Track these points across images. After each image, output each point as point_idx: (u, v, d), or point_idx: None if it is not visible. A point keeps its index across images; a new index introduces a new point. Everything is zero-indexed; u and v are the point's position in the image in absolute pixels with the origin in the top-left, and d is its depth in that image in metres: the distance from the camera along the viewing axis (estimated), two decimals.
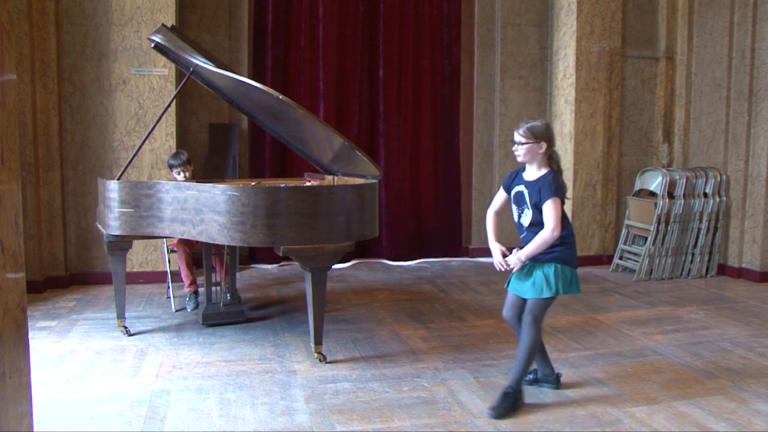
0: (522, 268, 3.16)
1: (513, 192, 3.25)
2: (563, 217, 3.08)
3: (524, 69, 7.00)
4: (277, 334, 4.24)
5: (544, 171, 3.13)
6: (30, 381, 1.97)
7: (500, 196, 3.33)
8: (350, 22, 6.60)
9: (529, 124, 3.12)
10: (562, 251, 3.12)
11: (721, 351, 3.99)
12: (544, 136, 3.10)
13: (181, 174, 4.71)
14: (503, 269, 3.15)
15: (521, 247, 3.13)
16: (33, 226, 5.23)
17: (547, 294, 3.09)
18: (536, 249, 3.05)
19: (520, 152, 3.13)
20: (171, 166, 4.80)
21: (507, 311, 3.29)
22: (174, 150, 5.51)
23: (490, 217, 3.34)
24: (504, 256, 3.17)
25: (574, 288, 3.16)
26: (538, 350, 3.26)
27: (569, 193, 6.58)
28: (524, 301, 3.20)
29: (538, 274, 3.12)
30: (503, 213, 3.35)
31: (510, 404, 3.07)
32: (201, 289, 4.98)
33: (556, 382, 3.36)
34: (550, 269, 3.10)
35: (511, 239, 3.44)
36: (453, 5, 6.89)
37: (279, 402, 3.16)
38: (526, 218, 3.17)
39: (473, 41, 6.97)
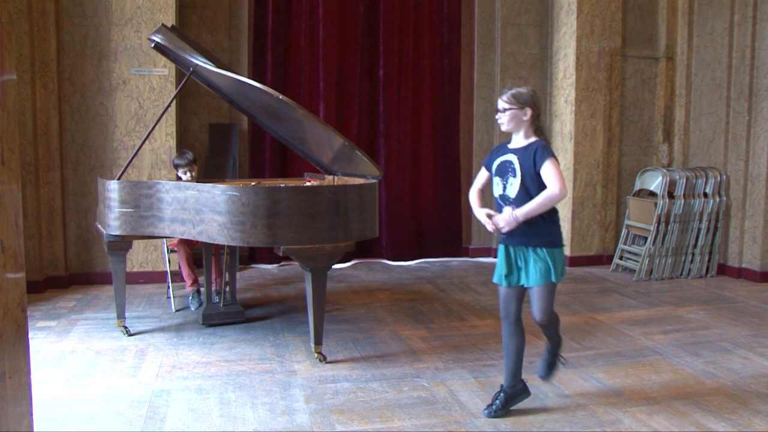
0: (515, 257, 2.98)
1: (496, 163, 3.03)
2: None
3: (524, 69, 6.99)
4: (277, 334, 4.24)
5: (533, 139, 2.97)
6: (30, 381, 1.97)
7: (482, 174, 3.15)
8: (350, 22, 6.60)
9: (513, 90, 2.96)
10: (553, 232, 2.96)
11: (721, 351, 3.98)
12: (529, 102, 2.94)
13: (187, 174, 4.72)
14: (493, 229, 2.94)
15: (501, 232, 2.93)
16: (33, 226, 5.23)
17: (554, 279, 2.93)
18: (537, 208, 2.84)
19: (503, 119, 2.97)
20: (176, 166, 4.80)
21: (505, 308, 3.05)
22: (174, 150, 5.51)
23: (473, 193, 3.16)
24: (491, 217, 2.95)
25: (565, 269, 3.04)
26: (517, 358, 3.07)
27: (569, 193, 6.59)
28: (522, 291, 3.01)
29: (539, 259, 2.92)
30: (486, 191, 3.17)
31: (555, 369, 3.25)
32: (203, 288, 4.99)
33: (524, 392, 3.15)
34: (548, 254, 2.92)
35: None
36: (453, 5, 6.89)
37: (279, 402, 3.16)
38: (513, 188, 2.94)
39: (473, 41, 6.97)
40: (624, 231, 6.49)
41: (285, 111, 3.90)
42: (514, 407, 3.08)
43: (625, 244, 6.45)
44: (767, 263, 5.88)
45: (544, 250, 2.94)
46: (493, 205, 3.11)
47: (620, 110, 6.75)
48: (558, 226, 3.02)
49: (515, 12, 6.91)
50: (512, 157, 2.98)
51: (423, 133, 6.90)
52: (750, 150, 5.94)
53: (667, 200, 6.04)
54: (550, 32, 6.97)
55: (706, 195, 6.16)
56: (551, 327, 3.13)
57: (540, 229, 2.93)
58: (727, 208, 6.17)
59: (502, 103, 2.99)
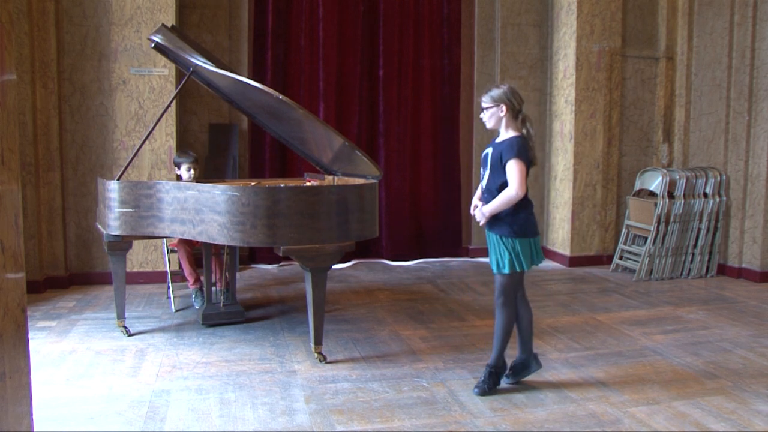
0: (488, 239, 3.27)
1: (482, 156, 3.35)
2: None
3: (524, 69, 7.00)
4: (277, 334, 4.24)
5: (512, 134, 3.19)
6: (30, 381, 1.97)
7: None
8: (350, 22, 6.60)
9: (489, 91, 3.20)
10: (516, 221, 3.15)
11: (721, 351, 3.98)
12: (503, 99, 3.16)
13: (191, 171, 4.71)
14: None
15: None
16: (33, 226, 5.23)
17: (505, 270, 3.16)
18: (498, 206, 3.12)
19: (485, 118, 3.23)
20: (179, 164, 4.77)
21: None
22: (174, 150, 5.51)
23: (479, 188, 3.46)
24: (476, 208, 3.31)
25: (536, 259, 3.22)
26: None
27: (569, 193, 6.59)
28: None
29: (495, 247, 3.20)
30: None
31: (494, 382, 3.27)
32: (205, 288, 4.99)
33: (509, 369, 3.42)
34: (507, 244, 3.15)
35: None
36: (453, 5, 6.89)
37: (279, 402, 3.16)
38: (485, 180, 3.25)
39: (473, 41, 6.97)
40: (624, 231, 6.49)
41: (285, 111, 3.90)
42: (513, 406, 3.09)
43: (625, 244, 6.45)
44: (767, 263, 5.88)
45: (502, 239, 3.17)
46: None
47: (620, 110, 6.76)
48: (524, 217, 3.18)
49: (515, 12, 6.91)
50: (489, 150, 3.25)
51: (423, 132, 6.90)
52: (750, 150, 5.94)
53: (667, 200, 6.04)
54: (550, 32, 6.97)
55: (706, 195, 6.16)
56: (500, 317, 3.27)
57: (501, 219, 3.18)
58: (727, 208, 6.17)
59: (482, 104, 3.24)
